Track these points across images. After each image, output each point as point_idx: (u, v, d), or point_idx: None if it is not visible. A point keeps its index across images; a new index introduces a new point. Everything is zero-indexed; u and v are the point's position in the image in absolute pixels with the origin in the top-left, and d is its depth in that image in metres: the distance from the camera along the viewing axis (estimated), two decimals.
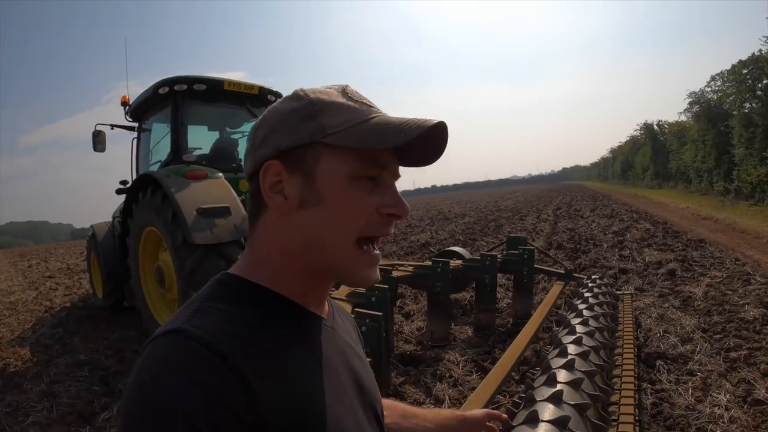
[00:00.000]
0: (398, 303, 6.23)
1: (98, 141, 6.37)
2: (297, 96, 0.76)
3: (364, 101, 0.77)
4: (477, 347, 4.38)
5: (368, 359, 1.92)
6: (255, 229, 0.78)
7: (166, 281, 5.04)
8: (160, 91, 5.55)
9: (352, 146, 0.71)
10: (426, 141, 0.76)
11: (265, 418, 0.60)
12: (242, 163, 0.83)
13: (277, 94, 6.47)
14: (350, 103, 0.75)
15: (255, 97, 6.23)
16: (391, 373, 3.82)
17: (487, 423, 1.21)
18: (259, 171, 0.75)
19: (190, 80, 5.59)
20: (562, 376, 2.03)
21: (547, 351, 2.54)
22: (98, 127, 6.33)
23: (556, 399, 1.83)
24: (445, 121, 0.74)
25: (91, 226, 7.20)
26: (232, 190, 5.02)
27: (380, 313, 2.68)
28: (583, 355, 2.24)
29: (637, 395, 2.27)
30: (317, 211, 0.73)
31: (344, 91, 0.78)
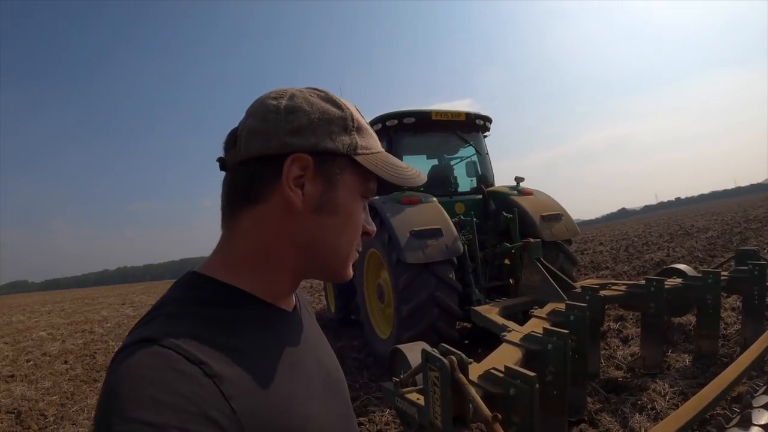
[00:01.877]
0: (617, 326, 5.90)
1: None
2: (337, 104, 0.77)
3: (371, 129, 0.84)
4: (691, 378, 3.97)
5: (533, 373, 1.93)
6: (238, 222, 0.75)
7: (385, 297, 5.50)
8: (374, 127, 6.09)
9: (377, 173, 0.78)
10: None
11: (245, 423, 0.60)
12: (251, 140, 0.73)
13: (486, 118, 6.68)
14: (371, 130, 0.83)
15: (463, 124, 6.53)
16: (589, 399, 3.65)
17: None
18: (278, 156, 0.72)
19: (400, 115, 6.09)
20: (761, 417, 1.85)
21: (758, 387, 2.25)
22: None
23: None
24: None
25: None
26: (445, 213, 5.34)
27: (566, 331, 2.62)
28: None
29: None
30: (332, 218, 0.76)
31: (359, 112, 0.82)
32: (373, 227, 0.84)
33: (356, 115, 0.79)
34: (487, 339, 5.05)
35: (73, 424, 4.87)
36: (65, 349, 9.48)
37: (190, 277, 0.74)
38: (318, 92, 0.77)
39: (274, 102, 0.74)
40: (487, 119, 6.72)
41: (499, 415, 1.57)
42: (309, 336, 0.84)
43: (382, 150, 0.83)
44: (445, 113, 6.25)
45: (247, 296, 0.73)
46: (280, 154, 0.72)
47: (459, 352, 1.98)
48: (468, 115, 6.46)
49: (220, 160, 0.78)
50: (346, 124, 0.76)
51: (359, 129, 0.78)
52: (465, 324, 5.90)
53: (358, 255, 0.84)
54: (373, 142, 0.81)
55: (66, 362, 8.19)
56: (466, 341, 5.97)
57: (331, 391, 0.82)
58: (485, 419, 1.59)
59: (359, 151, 0.77)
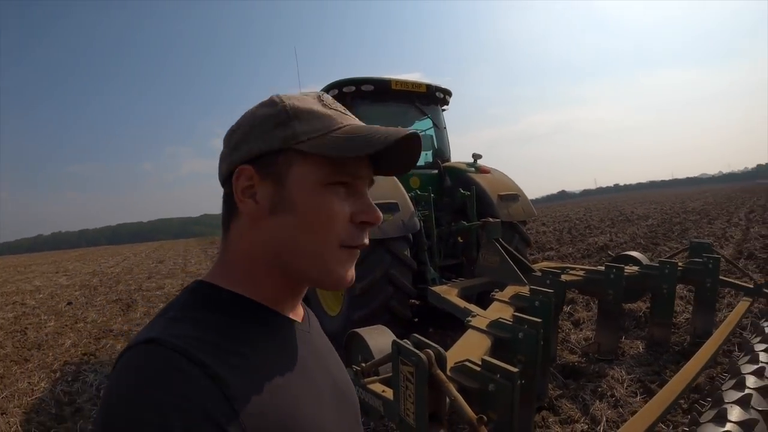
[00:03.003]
0: (568, 309, 5.99)
1: None
2: (272, 102, 0.77)
3: (338, 109, 0.78)
4: (646, 365, 4.04)
5: (516, 369, 1.82)
6: (228, 235, 0.78)
7: None
8: (330, 93, 5.83)
9: (323, 153, 0.72)
10: (398, 151, 0.77)
11: (246, 423, 0.59)
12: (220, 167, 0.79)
13: (446, 91, 6.52)
14: (324, 110, 0.76)
15: (423, 96, 6.34)
16: (549, 384, 3.65)
17: None
18: (232, 175, 0.75)
19: (358, 81, 5.86)
20: (734, 413, 1.86)
21: (722, 380, 2.27)
22: None
23: None
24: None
25: None
26: (401, 187, 5.12)
27: (539, 320, 2.54)
28: (764, 391, 2.01)
29: None
30: (289, 217, 0.73)
31: (320, 98, 0.79)
32: (371, 215, 0.77)
33: (294, 103, 0.76)
34: (437, 318, 4.97)
35: (2, 414, 4.44)
36: None
37: (195, 284, 0.76)
38: (266, 101, 0.78)
39: (230, 128, 0.79)
40: (447, 92, 6.56)
41: (485, 417, 1.45)
42: (318, 346, 0.85)
43: (346, 124, 0.76)
44: (405, 83, 6.08)
45: (250, 302, 0.74)
46: (231, 172, 0.75)
47: (436, 345, 1.83)
48: (428, 86, 6.30)
49: None
50: (279, 118, 0.74)
51: (299, 116, 0.74)
52: (413, 301, 5.81)
53: (358, 253, 0.79)
54: (322, 123, 0.75)
55: None
56: (416, 319, 5.88)
57: (340, 401, 0.82)
58: (469, 421, 1.47)
59: (302, 138, 0.73)
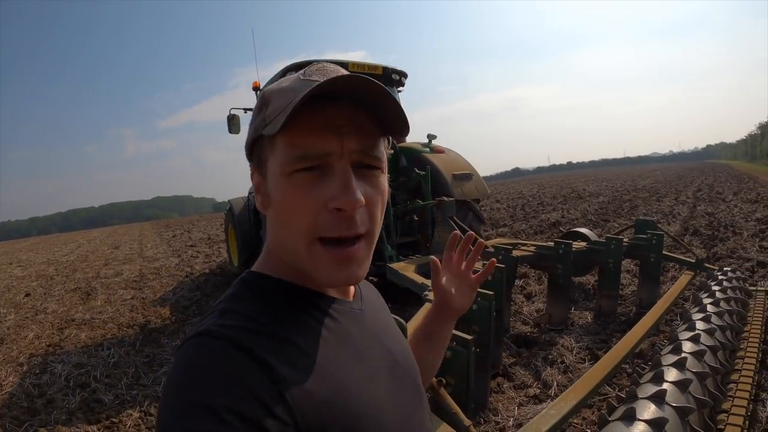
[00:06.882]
0: (521, 283, 6.15)
1: (233, 124, 6.82)
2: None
3: (312, 77, 0.71)
4: (594, 334, 4.25)
5: (471, 336, 1.96)
6: None
7: None
8: (286, 77, 5.85)
9: (267, 134, 0.68)
10: (376, 106, 0.71)
11: (293, 405, 0.61)
12: None
13: (402, 73, 6.56)
14: (295, 84, 0.70)
15: (379, 77, 6.39)
16: (503, 353, 3.83)
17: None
18: None
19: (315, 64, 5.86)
20: (671, 375, 1.95)
21: (662, 346, 2.43)
22: (232, 111, 6.76)
23: (658, 399, 1.77)
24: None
25: (229, 201, 7.79)
26: None
27: (491, 292, 2.69)
28: (698, 355, 2.13)
29: (751, 405, 2.10)
30: (272, 211, 0.73)
31: (306, 70, 0.73)
32: (340, 200, 0.66)
33: (271, 86, 0.75)
34: (395, 295, 5.12)
35: None
36: None
37: (246, 275, 0.78)
38: None
39: None
40: (403, 74, 6.63)
41: (443, 380, 1.60)
42: (371, 323, 0.84)
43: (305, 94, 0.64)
44: (362, 65, 6.13)
45: (295, 288, 0.75)
46: None
47: (397, 317, 1.98)
48: (385, 69, 6.36)
49: None
50: (259, 104, 0.74)
51: (270, 98, 0.72)
52: (372, 278, 5.93)
53: (351, 250, 0.70)
54: (284, 99, 0.68)
55: None
56: None
57: (399, 376, 0.82)
58: (430, 385, 1.62)
59: (267, 122, 0.69)
